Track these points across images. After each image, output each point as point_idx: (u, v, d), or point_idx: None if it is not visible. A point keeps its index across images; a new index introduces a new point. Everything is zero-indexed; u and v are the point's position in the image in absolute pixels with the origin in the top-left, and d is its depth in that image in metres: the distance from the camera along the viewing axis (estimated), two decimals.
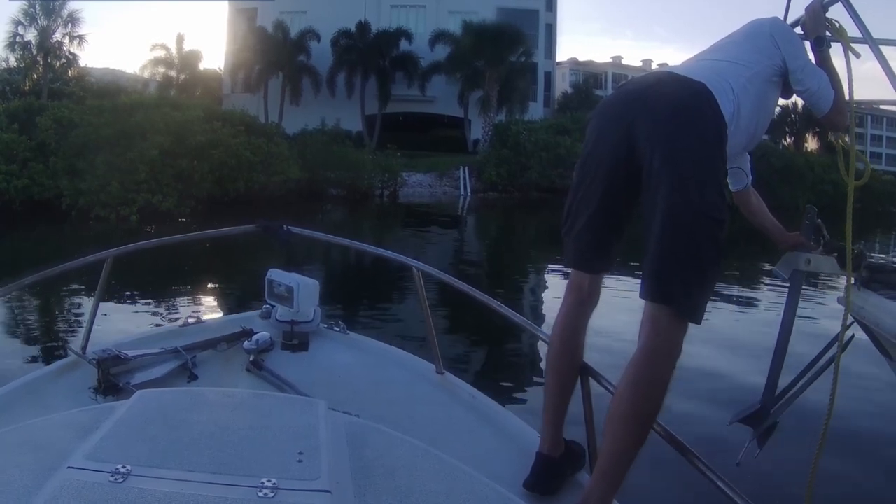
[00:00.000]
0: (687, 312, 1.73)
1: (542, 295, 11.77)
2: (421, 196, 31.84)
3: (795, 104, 59.90)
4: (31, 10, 37.40)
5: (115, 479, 0.99)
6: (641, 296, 1.77)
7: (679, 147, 1.76)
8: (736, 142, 1.95)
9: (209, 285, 11.16)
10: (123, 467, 1.02)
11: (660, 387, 1.71)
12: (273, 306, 2.82)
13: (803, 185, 35.15)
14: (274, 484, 1.01)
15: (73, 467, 1.02)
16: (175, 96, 30.95)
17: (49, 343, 7.24)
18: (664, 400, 1.71)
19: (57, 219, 18.34)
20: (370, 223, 24.19)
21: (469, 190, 33.63)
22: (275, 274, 2.77)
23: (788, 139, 56.99)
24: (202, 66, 46.12)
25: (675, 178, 1.73)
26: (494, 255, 17.34)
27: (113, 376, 2.29)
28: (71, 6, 39.05)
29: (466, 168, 34.38)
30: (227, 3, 46.52)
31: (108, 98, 25.36)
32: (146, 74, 43.10)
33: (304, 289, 2.71)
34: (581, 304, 2.07)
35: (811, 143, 57.15)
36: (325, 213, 24.98)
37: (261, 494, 0.99)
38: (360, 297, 10.66)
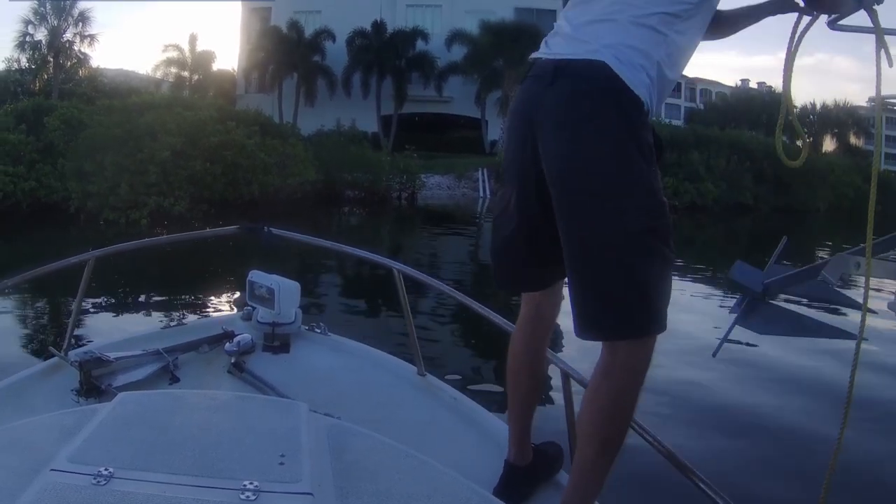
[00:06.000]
0: (641, 332, 1.60)
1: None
2: (439, 198, 31.38)
3: (814, 104, 59.46)
4: (42, 9, 37.11)
5: (98, 482, 0.98)
6: (577, 335, 1.62)
7: (582, 160, 1.57)
8: (670, 79, 1.64)
9: (191, 287, 10.98)
10: (106, 469, 1.01)
11: (625, 409, 1.63)
12: (254, 308, 2.80)
13: (824, 186, 34.62)
14: (256, 486, 1.00)
15: (55, 470, 1.01)
16: (188, 97, 30.42)
17: (31, 345, 7.17)
18: (634, 411, 1.65)
19: (65, 222, 17.84)
20: (390, 227, 23.76)
21: (488, 192, 32.92)
22: (256, 275, 2.76)
23: (807, 139, 56.51)
24: (215, 66, 46.05)
25: (585, 197, 1.56)
26: None
27: (95, 378, 2.27)
28: (81, 5, 39.00)
29: (485, 170, 33.76)
30: (240, 2, 46.41)
31: (119, 98, 24.79)
32: (159, 75, 42.96)
33: (285, 290, 2.70)
34: (537, 318, 1.95)
35: (828, 145, 56.77)
36: (344, 216, 24.55)
37: (243, 497, 0.98)
38: (341, 298, 10.72)
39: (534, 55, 1.76)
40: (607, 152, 1.55)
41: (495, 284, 1.96)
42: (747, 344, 6.68)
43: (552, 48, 1.70)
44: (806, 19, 1.75)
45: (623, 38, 1.58)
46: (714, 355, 2.31)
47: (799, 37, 1.75)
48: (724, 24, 1.86)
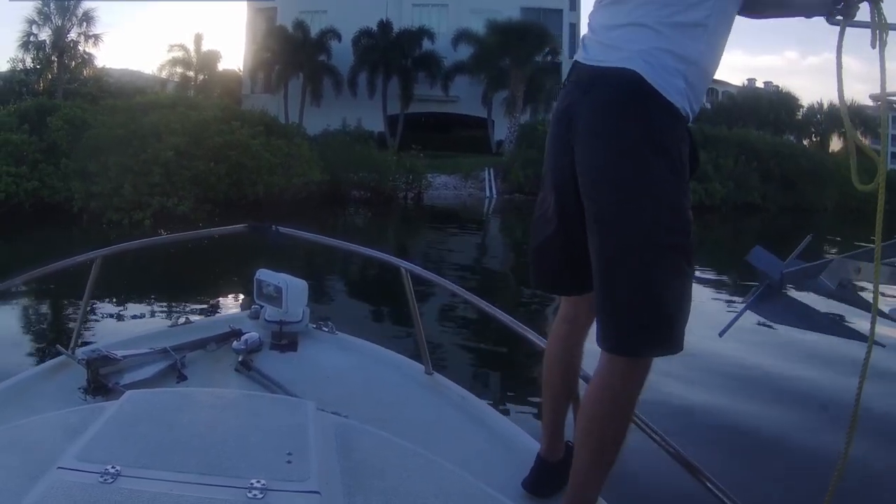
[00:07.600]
0: (651, 351, 1.62)
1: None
2: (446, 198, 31.24)
3: (821, 104, 59.10)
4: (46, 9, 37.11)
5: (105, 480, 0.99)
6: (599, 344, 1.65)
7: (613, 168, 1.57)
8: (711, 72, 1.65)
9: (198, 286, 11.06)
10: (113, 468, 1.01)
11: (621, 415, 1.65)
12: (262, 306, 2.82)
13: (831, 186, 34.60)
14: (263, 485, 1.00)
15: (63, 468, 1.02)
16: (193, 97, 30.33)
17: (38, 343, 7.23)
18: (629, 418, 1.68)
19: (68, 222, 17.74)
20: (396, 227, 23.68)
21: (494, 192, 32.78)
22: (263, 274, 2.77)
23: (814, 139, 56.33)
24: (221, 66, 45.92)
25: (612, 208, 1.58)
26: (518, 260, 16.69)
27: (102, 377, 2.29)
28: (86, 5, 39.01)
29: (492, 170, 33.62)
30: (245, 2, 46.38)
31: (124, 98, 24.69)
32: (164, 75, 42.83)
33: (293, 289, 2.71)
34: (574, 318, 1.96)
35: (836, 144, 56.61)
36: (349, 216, 24.43)
37: (250, 495, 0.98)
38: (348, 297, 10.82)
39: (575, 57, 1.75)
40: (632, 159, 1.56)
41: (532, 284, 1.99)
42: (755, 332, 6.64)
43: (590, 53, 1.69)
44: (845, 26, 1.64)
45: (656, 42, 1.55)
46: (721, 335, 2.25)
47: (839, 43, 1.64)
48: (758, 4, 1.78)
